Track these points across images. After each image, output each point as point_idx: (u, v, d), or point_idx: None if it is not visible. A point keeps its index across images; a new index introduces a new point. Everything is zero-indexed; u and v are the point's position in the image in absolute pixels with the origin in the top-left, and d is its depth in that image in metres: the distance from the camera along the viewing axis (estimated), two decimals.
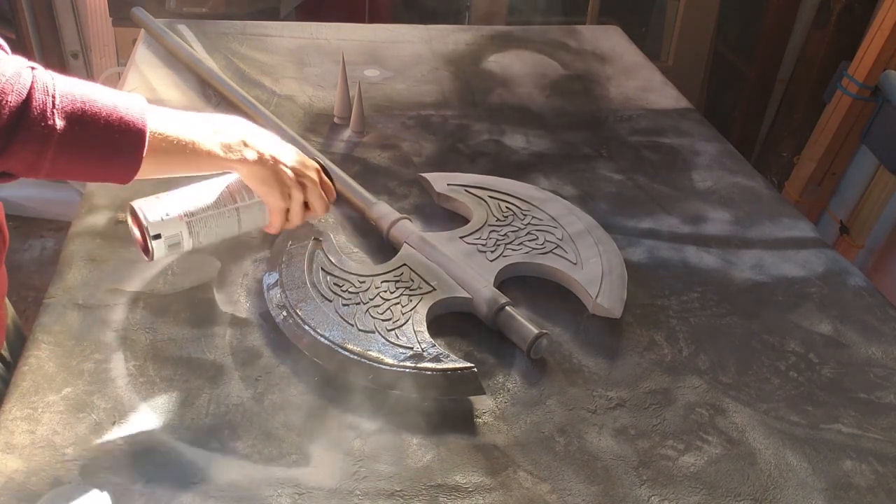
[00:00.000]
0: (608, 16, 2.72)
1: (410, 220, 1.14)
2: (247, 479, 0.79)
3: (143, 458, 0.80)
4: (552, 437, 0.88)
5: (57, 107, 0.66)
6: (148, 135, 0.71)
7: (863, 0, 2.30)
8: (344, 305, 0.97)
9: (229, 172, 0.84)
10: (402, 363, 0.90)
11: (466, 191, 1.23)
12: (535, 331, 0.95)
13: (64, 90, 0.68)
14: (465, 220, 1.18)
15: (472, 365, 0.90)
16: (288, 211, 0.86)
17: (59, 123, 0.66)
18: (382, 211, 1.14)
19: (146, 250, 0.81)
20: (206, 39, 1.73)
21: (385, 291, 1.00)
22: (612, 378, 0.96)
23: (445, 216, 1.23)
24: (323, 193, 0.89)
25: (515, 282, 1.09)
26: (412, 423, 0.87)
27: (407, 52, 1.81)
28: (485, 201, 1.20)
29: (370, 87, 1.62)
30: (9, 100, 0.64)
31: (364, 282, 1.01)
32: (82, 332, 0.94)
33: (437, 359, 0.90)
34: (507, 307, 0.98)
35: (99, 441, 0.81)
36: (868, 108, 1.98)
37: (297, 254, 1.04)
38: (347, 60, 1.48)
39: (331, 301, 0.98)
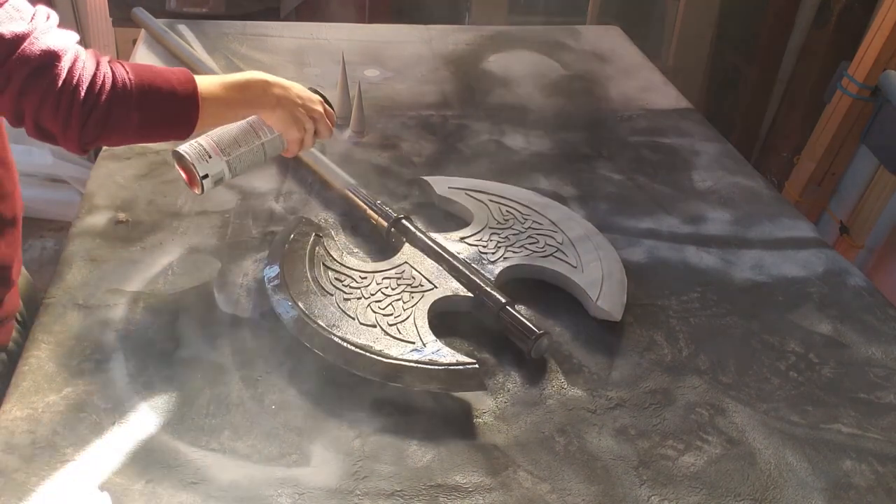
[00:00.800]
0: (608, 16, 2.72)
1: (411, 219, 1.14)
2: (247, 479, 0.79)
3: (143, 458, 0.80)
4: (552, 437, 0.88)
5: (133, 85, 0.83)
6: (200, 104, 0.89)
7: (863, 0, 2.30)
8: (345, 300, 0.97)
9: None
10: (403, 357, 0.90)
11: (467, 194, 1.23)
12: (536, 331, 0.95)
13: (135, 74, 0.84)
14: (466, 223, 1.18)
15: (474, 361, 0.90)
16: (302, 139, 1.03)
17: (138, 98, 0.84)
18: (382, 210, 1.14)
19: (193, 184, 0.98)
20: (206, 39, 1.73)
21: (386, 287, 1.00)
22: (612, 378, 0.96)
23: (446, 217, 1.23)
24: (328, 122, 1.06)
25: (516, 282, 1.09)
26: (412, 423, 0.87)
27: (407, 52, 1.81)
28: (485, 205, 1.20)
29: (370, 87, 1.62)
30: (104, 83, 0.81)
31: (365, 277, 1.01)
32: (82, 332, 0.94)
33: (439, 353, 0.90)
34: (507, 307, 0.98)
35: (99, 441, 0.81)
36: (868, 108, 1.97)
37: (299, 248, 1.04)
38: (347, 60, 1.48)
39: (332, 295, 0.98)
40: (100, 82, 0.80)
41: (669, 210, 1.32)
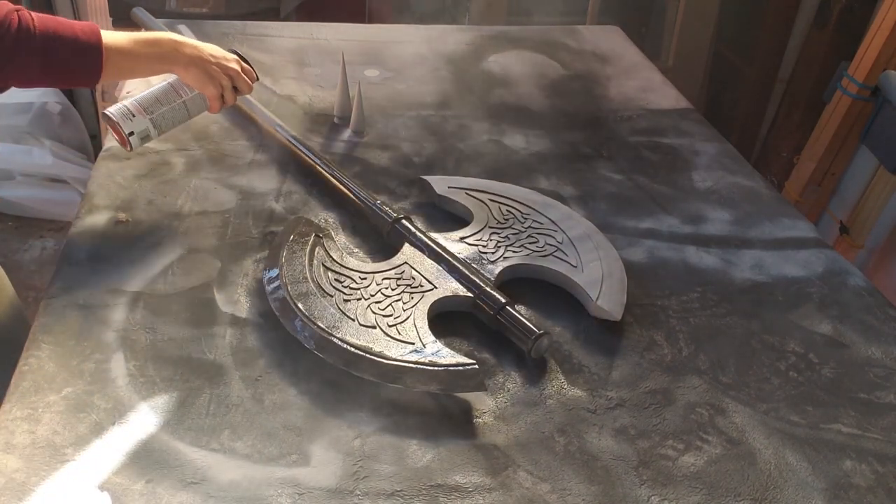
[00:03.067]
0: (608, 16, 2.72)
1: (411, 219, 1.14)
2: (247, 479, 0.79)
3: (143, 458, 0.80)
4: (552, 437, 0.88)
5: (37, 30, 0.92)
6: (104, 52, 0.97)
7: (863, 0, 2.30)
8: (345, 301, 0.97)
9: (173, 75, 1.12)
10: (403, 358, 0.90)
11: (467, 193, 1.23)
12: (536, 331, 0.95)
13: (40, 20, 0.93)
14: (466, 222, 1.19)
15: (474, 361, 0.90)
16: (222, 96, 1.11)
17: (41, 43, 0.92)
18: (382, 210, 1.14)
19: (124, 143, 1.10)
20: (206, 39, 1.71)
21: (386, 288, 1.00)
22: (612, 378, 0.96)
23: (446, 217, 1.23)
24: (246, 77, 1.14)
25: (516, 282, 1.09)
26: (412, 423, 0.87)
27: (407, 52, 1.81)
28: (485, 204, 1.20)
29: (370, 87, 1.62)
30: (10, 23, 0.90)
31: (365, 278, 1.02)
32: (82, 332, 0.94)
33: (438, 354, 0.90)
34: (507, 307, 0.98)
35: (99, 441, 0.81)
36: (868, 108, 1.97)
37: (298, 249, 1.04)
38: (347, 60, 1.48)
39: (332, 296, 0.98)
40: (5, 26, 0.88)
41: (669, 210, 1.32)
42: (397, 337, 0.93)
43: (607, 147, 1.50)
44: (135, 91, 1.47)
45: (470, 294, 1.01)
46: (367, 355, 0.90)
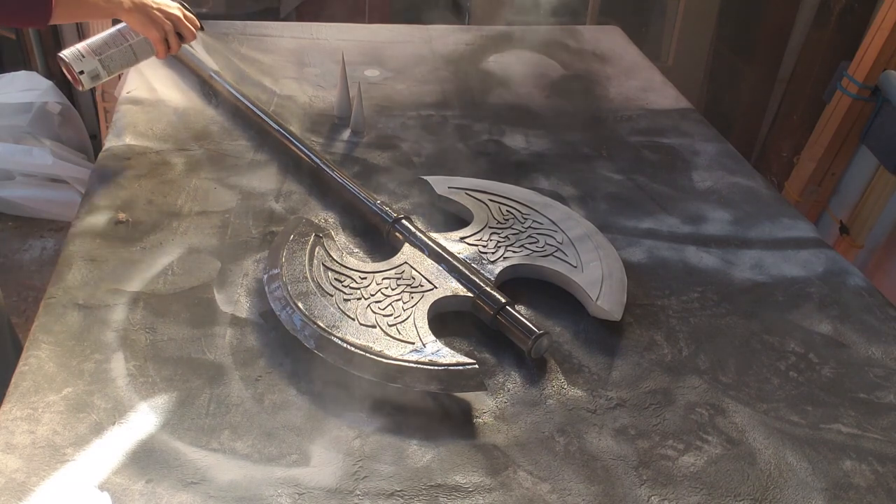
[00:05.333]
0: (608, 16, 2.72)
1: (411, 219, 1.14)
2: (247, 479, 0.79)
3: (143, 458, 0.80)
4: (552, 437, 0.88)
5: None
6: None
7: (863, 0, 2.30)
8: (345, 300, 0.97)
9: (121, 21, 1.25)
10: (403, 357, 0.90)
11: (467, 193, 1.23)
12: (536, 331, 0.95)
13: None
14: (466, 222, 1.19)
15: (474, 361, 0.90)
16: (166, 41, 1.23)
17: None
18: (383, 210, 1.14)
19: (76, 82, 1.23)
20: (206, 39, 1.73)
21: (386, 288, 1.00)
22: (612, 378, 0.96)
23: (446, 217, 1.23)
24: (188, 24, 1.25)
25: (516, 282, 1.09)
26: (412, 423, 0.87)
27: (407, 52, 1.81)
28: (485, 204, 1.20)
29: (370, 87, 1.62)
30: None
31: (365, 278, 1.02)
32: (82, 332, 0.94)
33: (438, 354, 0.90)
34: (507, 307, 0.98)
35: (99, 441, 0.81)
36: (868, 108, 1.97)
37: (298, 249, 1.04)
38: (347, 60, 1.48)
39: (332, 296, 0.98)
40: None
41: (669, 210, 1.32)
42: (397, 336, 0.93)
43: (607, 147, 1.50)
44: (136, 90, 1.48)
45: (470, 294, 1.01)
46: (367, 355, 0.90)
